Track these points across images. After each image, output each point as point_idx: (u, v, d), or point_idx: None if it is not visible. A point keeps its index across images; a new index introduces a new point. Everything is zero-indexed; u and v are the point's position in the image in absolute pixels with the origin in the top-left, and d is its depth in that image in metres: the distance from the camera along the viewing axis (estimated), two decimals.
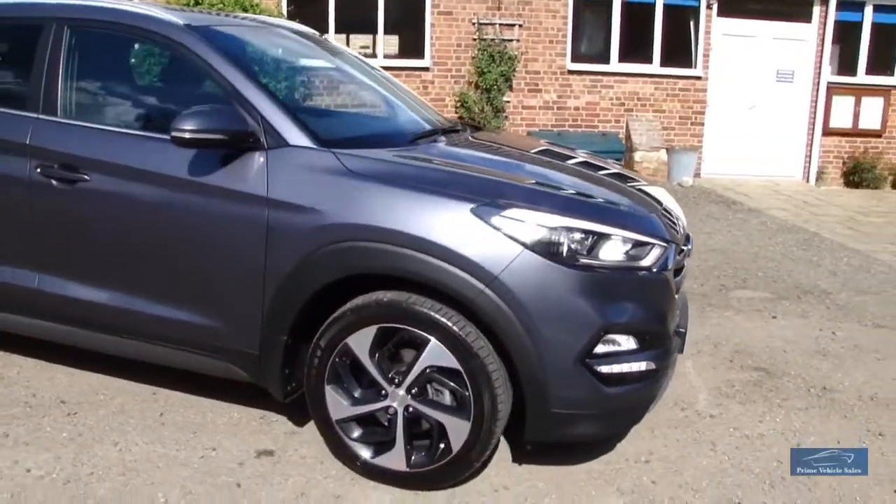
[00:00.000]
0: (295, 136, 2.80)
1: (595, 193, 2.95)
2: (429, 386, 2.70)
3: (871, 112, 11.30)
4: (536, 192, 2.79)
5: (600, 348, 2.61)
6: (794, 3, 11.06)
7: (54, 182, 3.04)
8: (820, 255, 6.88)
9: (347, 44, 10.75)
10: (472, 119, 9.97)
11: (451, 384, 2.64)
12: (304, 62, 4.00)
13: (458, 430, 2.65)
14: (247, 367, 2.93)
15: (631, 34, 10.84)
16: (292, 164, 2.77)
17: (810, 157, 11.44)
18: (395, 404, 2.71)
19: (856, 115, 11.27)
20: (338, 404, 2.78)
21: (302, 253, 2.69)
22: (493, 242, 2.54)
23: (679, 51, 10.99)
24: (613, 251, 2.65)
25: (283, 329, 2.78)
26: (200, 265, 2.92)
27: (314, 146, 2.79)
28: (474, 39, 10.42)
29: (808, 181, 11.46)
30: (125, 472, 2.85)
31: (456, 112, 10.35)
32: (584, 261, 2.59)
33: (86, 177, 3.00)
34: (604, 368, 2.62)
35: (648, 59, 10.89)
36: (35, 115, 3.11)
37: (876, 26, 11.28)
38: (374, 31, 10.72)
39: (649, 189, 3.37)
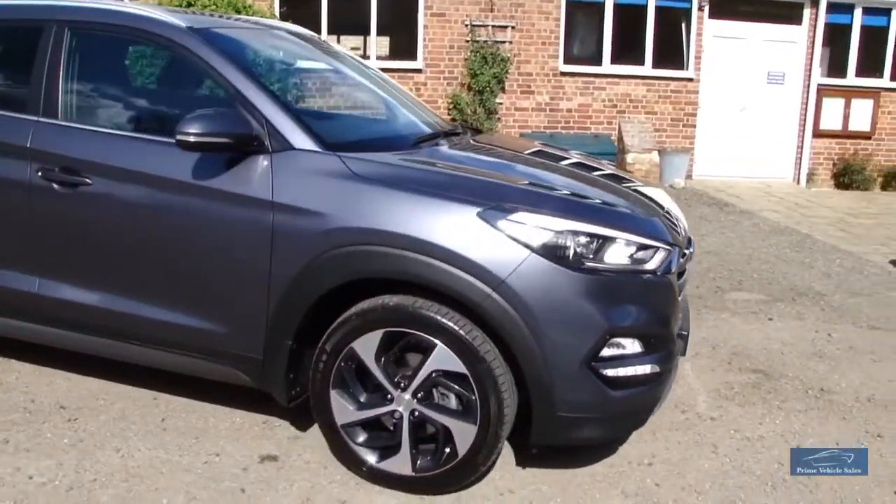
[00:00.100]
0: (300, 139, 2.79)
1: (599, 197, 2.96)
2: (435, 390, 2.70)
3: (861, 114, 11.39)
4: (541, 195, 2.80)
5: (606, 352, 2.61)
6: (785, 5, 11.13)
7: (55, 185, 3.02)
8: (813, 257, 6.93)
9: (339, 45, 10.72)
10: (464, 121, 9.98)
11: (457, 388, 2.65)
12: (304, 64, 3.99)
13: (464, 434, 2.65)
14: (250, 371, 2.92)
15: (623, 36, 10.88)
16: (297, 167, 2.76)
17: (801, 158, 11.52)
18: (400, 408, 2.70)
19: (846, 117, 11.36)
20: (343, 409, 2.77)
21: (307, 257, 2.68)
22: (500, 246, 2.54)
23: (671, 53, 11.04)
24: (618, 254, 2.66)
25: (288, 333, 2.77)
26: (204, 269, 2.90)
27: (319, 150, 2.78)
28: (467, 41, 10.43)
29: (798, 183, 11.54)
30: (128, 478, 2.83)
31: (448, 114, 10.35)
32: (590, 264, 2.60)
33: (87, 180, 2.98)
34: (609, 372, 2.63)
35: (640, 61, 10.94)
36: (35, 118, 3.09)
37: (865, 29, 11.38)
38: (366, 33, 10.72)
39: (650, 192, 3.38)
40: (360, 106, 4.22)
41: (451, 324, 2.57)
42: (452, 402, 2.69)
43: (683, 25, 11.01)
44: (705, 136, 11.20)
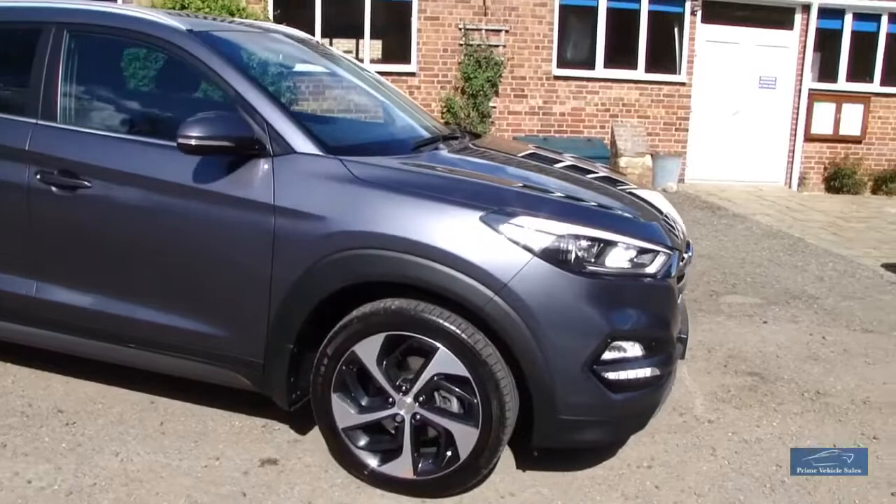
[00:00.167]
0: (301, 143, 2.79)
1: (602, 202, 2.98)
2: (436, 393, 2.70)
3: (852, 118, 11.47)
4: (543, 199, 2.81)
5: (607, 355, 2.63)
6: (777, 10, 11.21)
7: (54, 188, 3.01)
8: (805, 261, 6.97)
9: None
10: (457, 124, 9.99)
11: (459, 391, 2.65)
12: (302, 67, 3.99)
13: (466, 438, 2.66)
14: (251, 375, 2.91)
15: (616, 40, 10.93)
16: (299, 171, 2.76)
17: (792, 162, 11.59)
18: (402, 412, 2.70)
19: (836, 122, 11.44)
20: (344, 412, 2.77)
21: (309, 261, 2.68)
22: (503, 250, 2.55)
23: (664, 57, 11.09)
24: (619, 258, 2.67)
25: (289, 337, 2.77)
26: (204, 273, 2.89)
27: (321, 153, 2.78)
28: (461, 45, 10.45)
29: (790, 186, 11.61)
30: (128, 482, 2.82)
31: (442, 117, 10.36)
32: (592, 268, 2.61)
33: (86, 183, 2.97)
34: (611, 375, 2.64)
35: (633, 65, 10.98)
36: (34, 121, 3.07)
37: (855, 34, 11.46)
38: (360, 36, 10.72)
39: (648, 196, 3.40)
40: (359, 109, 4.22)
41: (453, 327, 2.58)
42: (454, 406, 2.70)
43: (676, 30, 11.06)
44: (698, 140, 11.25)
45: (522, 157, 3.68)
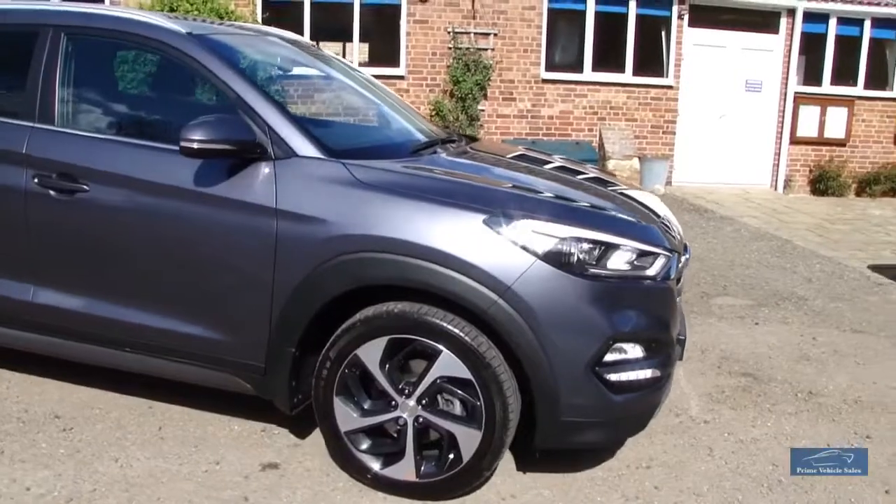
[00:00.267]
0: (303, 146, 2.79)
1: (602, 205, 3.00)
2: (439, 396, 2.71)
3: (836, 121, 11.61)
4: (545, 202, 2.83)
5: (609, 356, 2.65)
6: (763, 14, 11.32)
7: (52, 192, 2.99)
8: (793, 263, 7.05)
9: None
10: (446, 127, 9.99)
11: (462, 394, 2.66)
12: (301, 70, 3.99)
13: (469, 440, 2.66)
14: (252, 379, 2.90)
15: (604, 44, 10.99)
16: (301, 174, 2.76)
17: (778, 165, 11.71)
18: (405, 415, 2.71)
19: (821, 125, 11.57)
20: (347, 416, 2.77)
21: (312, 264, 2.68)
22: (506, 253, 2.56)
23: (651, 60, 11.17)
24: (620, 261, 2.69)
25: (292, 341, 2.77)
26: (206, 277, 2.88)
27: (323, 157, 2.79)
28: (449, 48, 10.47)
29: (776, 189, 11.72)
30: (128, 488, 2.80)
31: (431, 120, 10.34)
32: (593, 270, 2.63)
33: (85, 187, 2.95)
34: (612, 376, 2.66)
35: (621, 69, 11.05)
36: (31, 124, 3.05)
37: (840, 38, 11.61)
38: (349, 39, 10.71)
39: (645, 199, 3.42)
40: (356, 113, 4.23)
41: (456, 330, 2.59)
42: (457, 408, 2.70)
43: (663, 33, 11.14)
44: (685, 143, 11.33)
45: (519, 160, 3.69)
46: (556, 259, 2.58)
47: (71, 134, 3.05)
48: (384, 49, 10.82)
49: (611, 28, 10.95)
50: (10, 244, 3.12)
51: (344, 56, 10.81)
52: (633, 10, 10.92)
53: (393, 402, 2.72)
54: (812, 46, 11.58)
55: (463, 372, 2.61)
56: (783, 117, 11.53)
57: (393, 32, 10.56)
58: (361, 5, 10.45)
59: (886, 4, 11.43)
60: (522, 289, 2.53)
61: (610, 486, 3.00)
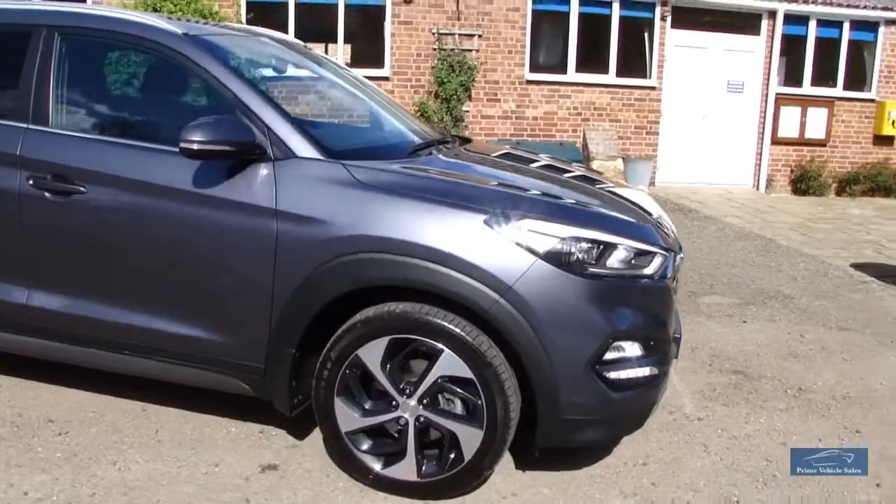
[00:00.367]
0: (303, 147, 2.79)
1: (597, 205, 3.03)
2: (440, 395, 2.72)
3: (816, 122, 11.78)
4: (544, 202, 2.84)
5: (609, 355, 2.67)
6: (744, 16, 11.46)
7: (47, 194, 2.96)
8: (778, 261, 7.13)
9: None
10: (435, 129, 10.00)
11: (464, 393, 2.67)
12: (295, 71, 3.98)
13: (470, 439, 2.68)
14: (251, 380, 2.90)
15: (588, 45, 11.07)
16: (301, 175, 2.76)
17: (760, 165, 11.86)
18: (406, 415, 2.72)
19: (802, 125, 11.73)
20: (347, 416, 2.77)
21: (312, 265, 2.68)
22: (507, 252, 2.58)
23: (634, 62, 11.26)
24: (619, 260, 2.72)
25: (292, 342, 2.76)
26: (204, 278, 2.87)
27: (322, 158, 2.79)
28: (434, 49, 10.49)
29: (758, 189, 11.86)
30: (127, 491, 2.78)
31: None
32: (593, 269, 2.65)
33: (81, 188, 2.93)
34: (612, 374, 2.69)
35: (605, 70, 11.13)
36: (25, 126, 3.02)
37: (819, 40, 11.78)
38: (333, 40, 10.69)
39: (641, 200, 3.45)
40: (351, 113, 4.22)
41: (457, 330, 2.60)
42: (458, 408, 2.72)
43: (646, 35, 11.24)
44: (668, 144, 11.44)
45: (514, 161, 3.71)
46: (556, 259, 2.60)
47: (66, 135, 3.02)
48: (368, 50, 10.82)
49: (594, 29, 11.03)
50: (4, 246, 3.08)
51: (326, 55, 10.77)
52: (616, 12, 11.01)
53: (394, 402, 2.72)
54: (792, 48, 11.75)
55: (464, 371, 2.62)
56: (765, 118, 11.68)
57: (377, 33, 10.57)
58: (346, 6, 10.45)
59: (865, 7, 11.61)
60: (524, 288, 2.55)
61: (608, 483, 3.03)
